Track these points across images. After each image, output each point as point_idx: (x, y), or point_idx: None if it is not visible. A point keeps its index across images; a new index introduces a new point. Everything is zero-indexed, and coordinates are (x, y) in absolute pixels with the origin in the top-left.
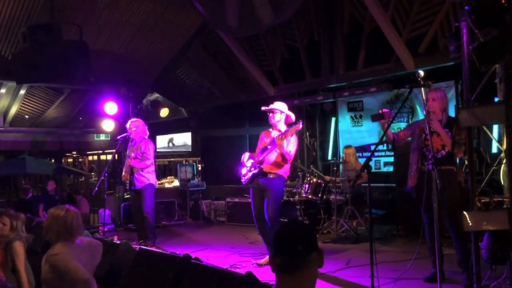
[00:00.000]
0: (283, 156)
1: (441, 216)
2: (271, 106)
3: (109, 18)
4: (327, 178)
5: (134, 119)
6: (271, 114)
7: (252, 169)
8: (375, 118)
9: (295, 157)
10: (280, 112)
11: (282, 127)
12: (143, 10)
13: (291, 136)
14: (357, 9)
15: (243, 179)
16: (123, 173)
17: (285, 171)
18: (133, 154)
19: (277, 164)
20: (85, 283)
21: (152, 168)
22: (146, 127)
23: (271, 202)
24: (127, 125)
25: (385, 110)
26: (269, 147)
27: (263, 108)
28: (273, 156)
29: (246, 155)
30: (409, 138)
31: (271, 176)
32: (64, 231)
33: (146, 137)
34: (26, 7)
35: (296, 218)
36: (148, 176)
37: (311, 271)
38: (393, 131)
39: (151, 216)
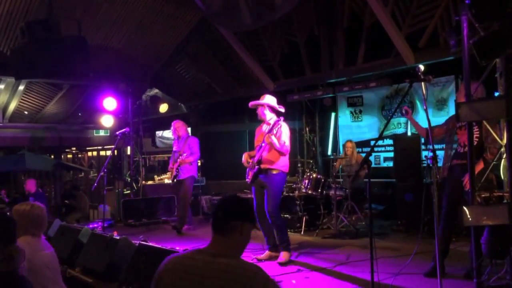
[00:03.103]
0: (279, 151)
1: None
2: (258, 101)
3: (108, 13)
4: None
5: (176, 120)
6: (257, 110)
7: (252, 169)
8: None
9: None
10: (261, 105)
11: (269, 116)
12: (142, 5)
13: (278, 127)
14: (357, 4)
15: (247, 179)
16: (170, 165)
17: (284, 164)
18: (183, 153)
19: (274, 160)
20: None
21: (196, 161)
22: (186, 126)
23: (270, 197)
24: (173, 126)
25: (404, 107)
26: (262, 144)
27: (250, 103)
28: (267, 152)
29: (244, 156)
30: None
31: (273, 172)
32: (30, 226)
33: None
34: (24, 2)
35: (236, 195)
36: (192, 168)
37: (232, 238)
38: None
39: (186, 202)
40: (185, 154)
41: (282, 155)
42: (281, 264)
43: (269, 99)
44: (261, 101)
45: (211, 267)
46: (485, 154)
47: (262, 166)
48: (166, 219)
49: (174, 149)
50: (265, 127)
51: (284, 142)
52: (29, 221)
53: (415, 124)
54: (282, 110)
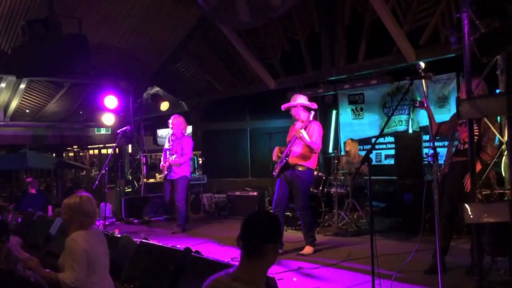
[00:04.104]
0: (310, 147)
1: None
2: (291, 103)
3: (109, 11)
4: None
5: (176, 115)
6: (291, 111)
7: (280, 162)
8: (419, 105)
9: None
10: (295, 106)
11: (303, 115)
12: (142, 3)
13: (312, 125)
14: (358, 1)
15: (274, 172)
16: (162, 163)
17: (312, 162)
18: (173, 152)
19: (303, 156)
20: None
21: (188, 161)
22: (186, 124)
23: (299, 195)
24: (170, 121)
25: (421, 99)
26: (293, 139)
27: (283, 106)
28: (298, 148)
29: (275, 150)
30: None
31: (299, 169)
32: (82, 217)
33: (185, 133)
34: (25, 0)
35: (265, 211)
36: (184, 168)
37: (265, 261)
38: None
39: (182, 204)
40: (174, 156)
41: (313, 152)
42: (303, 255)
43: (301, 99)
44: (294, 103)
45: None
46: (482, 154)
47: (290, 160)
48: (167, 217)
49: (166, 146)
50: (298, 125)
51: (316, 140)
52: (80, 213)
53: (431, 117)
54: (315, 106)
